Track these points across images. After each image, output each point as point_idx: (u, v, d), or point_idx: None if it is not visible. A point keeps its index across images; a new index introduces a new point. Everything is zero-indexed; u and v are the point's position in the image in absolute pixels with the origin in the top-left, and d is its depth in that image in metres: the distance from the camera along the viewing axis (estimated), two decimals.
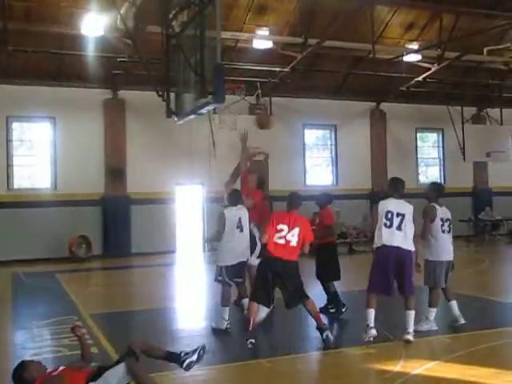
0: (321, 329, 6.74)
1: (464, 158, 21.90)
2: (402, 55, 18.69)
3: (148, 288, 12.37)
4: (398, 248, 6.75)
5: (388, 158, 21.59)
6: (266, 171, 19.53)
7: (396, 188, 7.23)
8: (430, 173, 23.23)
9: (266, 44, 17.51)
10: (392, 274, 6.72)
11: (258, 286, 6.92)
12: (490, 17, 17.48)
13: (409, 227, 6.85)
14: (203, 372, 5.96)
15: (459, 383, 5.45)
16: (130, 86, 18.07)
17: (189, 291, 12.01)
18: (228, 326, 7.60)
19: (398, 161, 21.54)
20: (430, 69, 19.03)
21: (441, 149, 23.13)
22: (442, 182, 22.51)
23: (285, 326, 7.97)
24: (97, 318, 8.59)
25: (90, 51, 16.27)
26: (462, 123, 22.00)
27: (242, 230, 7.72)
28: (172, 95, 9.44)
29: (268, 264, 6.87)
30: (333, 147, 21.55)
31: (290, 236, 6.80)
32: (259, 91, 18.93)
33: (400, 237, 6.77)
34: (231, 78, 17.77)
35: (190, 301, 10.78)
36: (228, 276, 7.64)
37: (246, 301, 7.70)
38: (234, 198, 7.90)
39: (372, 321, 6.78)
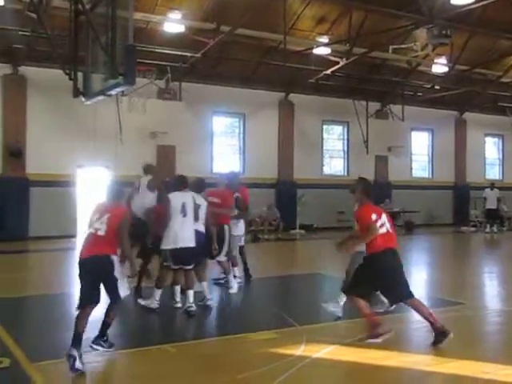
0: None
1: (367, 151, 22.73)
2: (312, 48, 19.04)
3: (46, 273, 11.94)
4: None
5: (295, 149, 21.99)
6: (174, 158, 19.39)
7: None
8: (333, 164, 23.88)
9: (178, 28, 17.22)
10: None
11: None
12: (396, 17, 18.15)
13: None
14: (104, 358, 5.83)
15: (356, 365, 5.68)
16: (32, 63, 17.21)
17: None
18: (158, 306, 7.71)
19: (305, 152, 22.03)
20: (338, 63, 19.49)
21: (345, 141, 23.84)
22: (346, 173, 23.30)
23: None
24: None
25: None
26: (367, 117, 22.81)
27: (185, 215, 7.61)
28: (80, 75, 9.06)
29: None
30: (241, 135, 21.66)
31: None
32: (169, 75, 18.64)
33: None
34: (141, 60, 17.41)
35: None
36: (173, 260, 7.62)
37: (191, 292, 7.62)
38: (179, 183, 7.88)
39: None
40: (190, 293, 7.61)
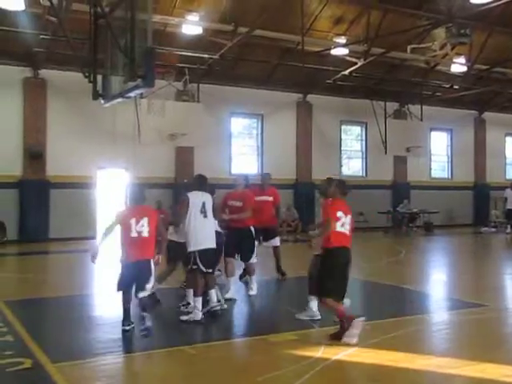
0: None
1: (385, 152, 22.61)
2: (330, 48, 18.98)
3: (66, 274, 12.05)
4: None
5: (313, 150, 21.95)
6: (192, 160, 19.45)
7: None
8: (352, 165, 23.80)
9: (196, 30, 17.28)
10: None
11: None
12: (415, 16, 18.04)
13: None
14: (123, 360, 5.87)
15: (377, 367, 5.63)
16: (52, 66, 17.40)
17: (108, 278, 11.67)
18: (203, 317, 7.27)
19: (323, 152, 21.97)
20: (356, 63, 19.42)
21: (363, 142, 23.74)
22: (364, 174, 23.20)
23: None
24: (11, 305, 8.23)
25: (9, 26, 15.47)
26: (385, 118, 22.69)
27: (206, 216, 7.39)
28: (99, 78, 9.12)
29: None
30: (259, 136, 21.67)
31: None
32: (187, 77, 18.71)
33: None
34: (159, 63, 17.49)
35: (109, 288, 10.46)
36: (202, 262, 7.24)
37: (213, 291, 7.56)
38: (199, 182, 7.63)
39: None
40: (213, 292, 7.57)
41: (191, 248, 7.29)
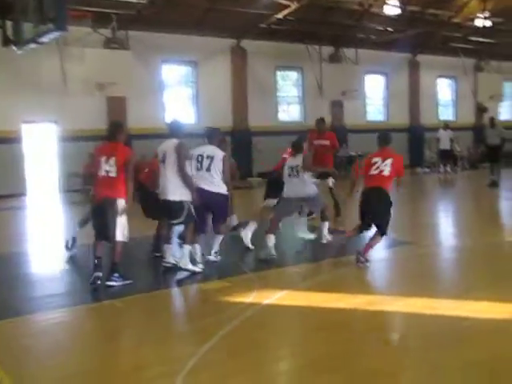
0: None
1: (321, 96, 22.55)
2: None
3: None
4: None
5: (249, 96, 21.63)
6: (125, 110, 18.87)
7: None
8: (289, 110, 23.65)
9: None
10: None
11: None
12: None
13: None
14: (57, 315, 5.69)
15: (307, 309, 5.66)
16: None
17: (43, 234, 11.31)
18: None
19: (259, 99, 21.69)
20: (289, 6, 19.05)
21: (300, 87, 23.56)
22: (303, 120, 23.12)
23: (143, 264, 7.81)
24: None
25: None
26: (320, 62, 22.52)
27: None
28: (10, 23, 8.53)
29: None
30: (193, 84, 21.14)
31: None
32: (114, 23, 17.89)
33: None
34: (86, 8, 16.64)
35: (44, 244, 10.14)
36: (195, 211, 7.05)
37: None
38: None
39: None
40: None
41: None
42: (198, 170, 7.21)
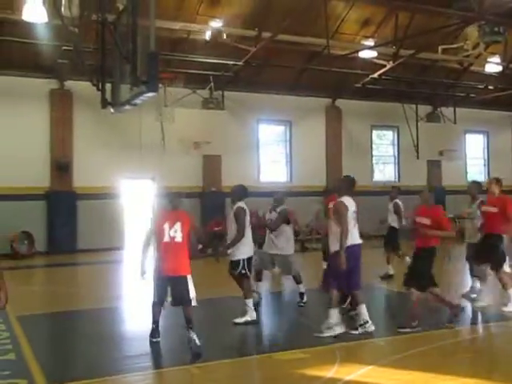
0: None
1: (417, 156, 21.96)
2: (358, 51, 18.54)
3: (92, 286, 11.79)
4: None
5: (343, 156, 21.45)
6: (219, 168, 19.24)
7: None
8: (384, 170, 23.17)
9: (220, 36, 17.07)
10: None
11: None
12: (445, 15, 17.45)
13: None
14: (139, 378, 5.62)
15: None
16: (76, 76, 17.39)
17: (137, 290, 11.41)
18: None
19: (354, 158, 21.42)
20: (385, 66, 18.93)
21: (395, 146, 23.11)
22: (397, 179, 22.55)
23: (216, 329, 7.61)
24: (24, 321, 8.03)
25: (33, 39, 15.54)
26: (416, 121, 22.05)
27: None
28: (109, 86, 8.99)
29: None
30: (288, 143, 21.30)
31: None
32: (212, 84, 18.52)
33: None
34: (184, 71, 17.42)
35: (138, 300, 10.16)
36: (249, 268, 7.79)
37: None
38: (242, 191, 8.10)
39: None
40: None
41: (241, 256, 7.75)
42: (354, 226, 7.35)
